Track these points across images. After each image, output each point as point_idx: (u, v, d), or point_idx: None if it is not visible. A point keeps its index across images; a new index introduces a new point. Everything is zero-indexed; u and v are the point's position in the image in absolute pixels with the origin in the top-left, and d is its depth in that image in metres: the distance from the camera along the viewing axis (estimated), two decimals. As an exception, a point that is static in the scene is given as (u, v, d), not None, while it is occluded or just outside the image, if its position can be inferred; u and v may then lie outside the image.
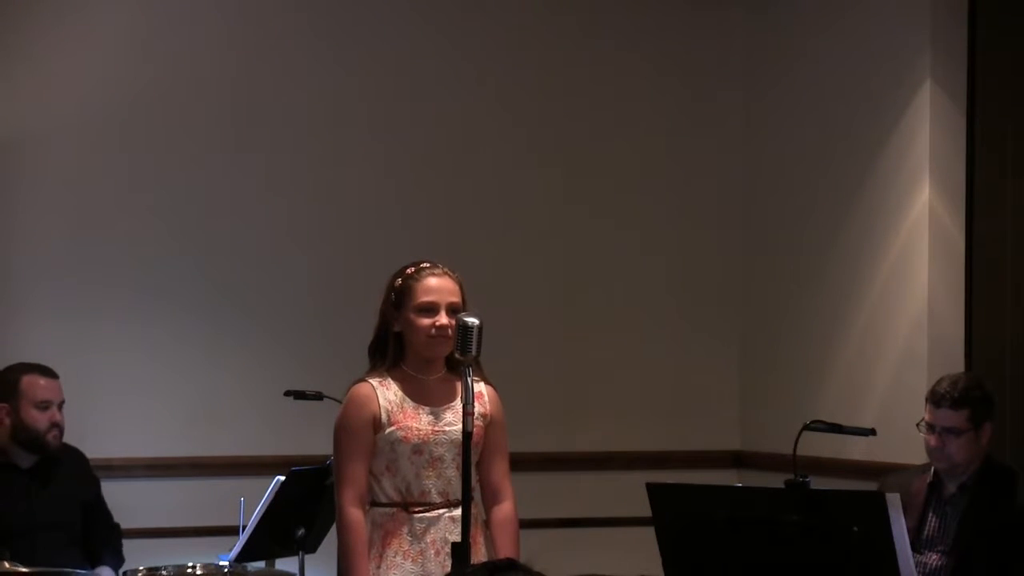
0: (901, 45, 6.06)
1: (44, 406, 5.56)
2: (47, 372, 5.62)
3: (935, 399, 4.96)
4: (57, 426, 5.58)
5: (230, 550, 5.30)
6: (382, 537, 4.31)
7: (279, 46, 6.45)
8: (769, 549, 4.11)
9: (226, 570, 5.36)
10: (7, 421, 5.57)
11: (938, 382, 5.03)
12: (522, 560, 2.69)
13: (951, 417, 4.92)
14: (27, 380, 5.58)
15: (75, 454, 5.74)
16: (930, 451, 5.01)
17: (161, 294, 6.28)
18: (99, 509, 5.75)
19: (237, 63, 6.40)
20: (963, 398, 4.93)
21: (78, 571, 5.21)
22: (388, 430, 4.30)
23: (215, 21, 6.40)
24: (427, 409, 4.33)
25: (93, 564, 5.59)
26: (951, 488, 5.02)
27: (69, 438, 5.66)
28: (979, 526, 4.91)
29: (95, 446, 5.85)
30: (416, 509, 4.30)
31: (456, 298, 4.33)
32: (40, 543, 5.49)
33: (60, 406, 5.60)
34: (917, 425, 5.04)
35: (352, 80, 6.51)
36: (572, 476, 6.70)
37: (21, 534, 5.46)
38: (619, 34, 6.84)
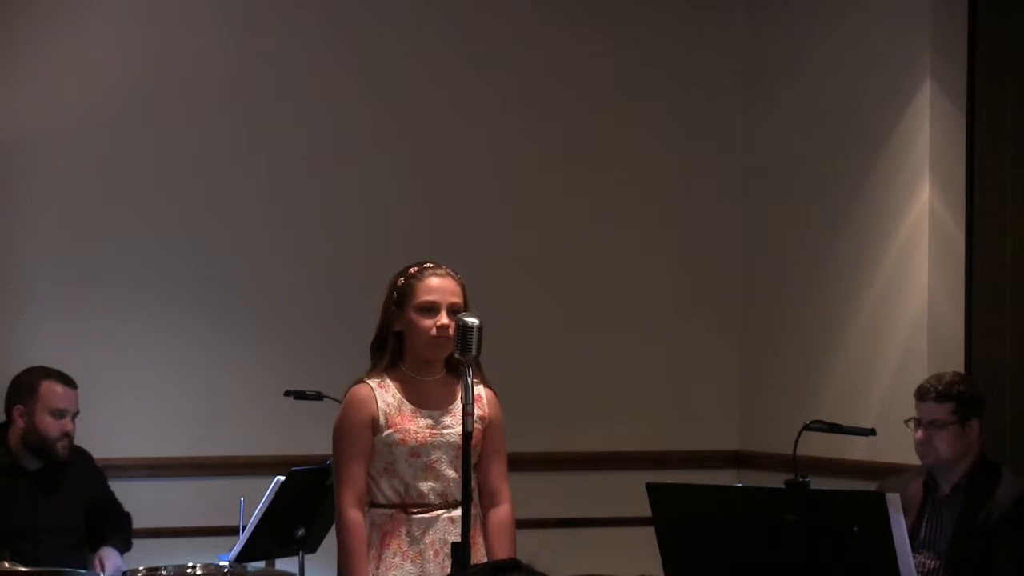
0: (901, 45, 6.06)
1: (59, 414, 5.57)
2: (67, 381, 5.63)
3: (920, 394, 5.08)
4: (68, 435, 5.59)
5: (230, 550, 5.30)
6: (380, 538, 4.31)
7: (279, 45, 6.45)
8: (769, 549, 4.12)
9: (226, 570, 5.37)
10: (20, 423, 5.58)
11: (925, 380, 5.12)
12: (522, 561, 2.69)
13: (935, 410, 5.01)
14: (46, 386, 5.58)
15: (81, 454, 5.75)
16: (917, 446, 5.07)
17: (161, 294, 6.28)
18: (107, 502, 5.76)
19: (237, 63, 6.40)
20: (947, 392, 5.02)
21: (79, 571, 5.22)
22: (386, 432, 4.29)
23: (216, 22, 6.40)
24: (425, 412, 4.33)
25: (99, 546, 5.60)
26: (945, 489, 5.05)
27: (70, 439, 5.68)
28: (972, 527, 4.93)
29: (96, 446, 5.85)
30: (414, 510, 4.30)
31: (458, 299, 4.33)
32: (43, 546, 5.50)
33: (74, 416, 5.61)
34: (906, 422, 5.08)
35: (352, 80, 6.51)
36: (572, 476, 6.70)
37: (24, 536, 5.47)
38: (620, 34, 6.84)
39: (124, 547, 5.67)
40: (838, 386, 6.34)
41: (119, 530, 5.74)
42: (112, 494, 5.81)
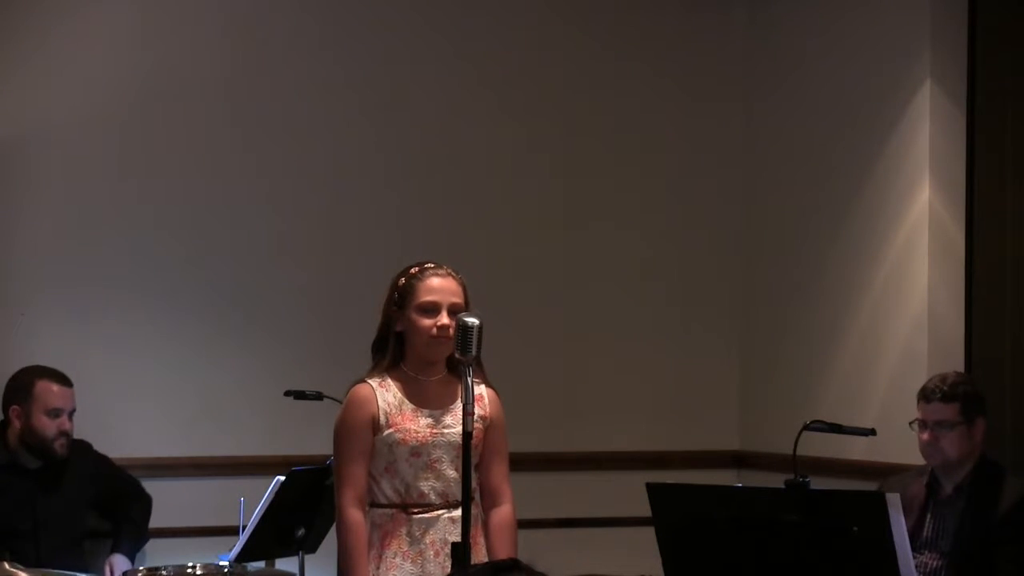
0: (901, 45, 6.06)
1: (55, 413, 5.57)
2: (62, 380, 5.63)
3: (926, 395, 5.05)
4: (65, 434, 5.60)
5: (230, 550, 5.30)
6: (381, 538, 4.31)
7: (279, 46, 6.45)
8: (769, 549, 4.11)
9: (226, 570, 5.37)
10: (17, 424, 5.59)
11: (928, 380, 5.12)
12: (522, 561, 2.69)
13: (942, 411, 4.99)
14: (41, 385, 5.59)
15: (81, 449, 5.75)
16: (923, 448, 5.04)
17: (161, 294, 6.28)
18: (118, 488, 5.76)
19: (236, 63, 6.40)
20: (952, 392, 5.00)
21: (79, 574, 5.22)
22: (386, 432, 4.30)
23: (216, 22, 6.40)
24: (426, 412, 4.33)
25: (113, 547, 5.61)
26: (947, 489, 5.04)
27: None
28: (975, 528, 4.92)
29: (96, 446, 5.86)
30: (415, 510, 4.30)
31: (458, 299, 4.34)
32: (44, 544, 5.50)
33: (70, 415, 5.62)
34: (910, 424, 5.07)
35: (352, 81, 6.51)
36: (572, 476, 6.70)
37: (24, 535, 5.48)
38: (619, 35, 6.84)
39: (136, 544, 5.67)
40: (838, 386, 6.34)
41: (131, 524, 5.73)
42: (125, 478, 5.80)
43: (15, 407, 5.60)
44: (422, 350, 4.34)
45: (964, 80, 5.94)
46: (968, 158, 5.94)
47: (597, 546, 6.55)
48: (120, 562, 5.59)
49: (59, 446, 5.58)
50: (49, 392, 5.58)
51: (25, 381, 5.62)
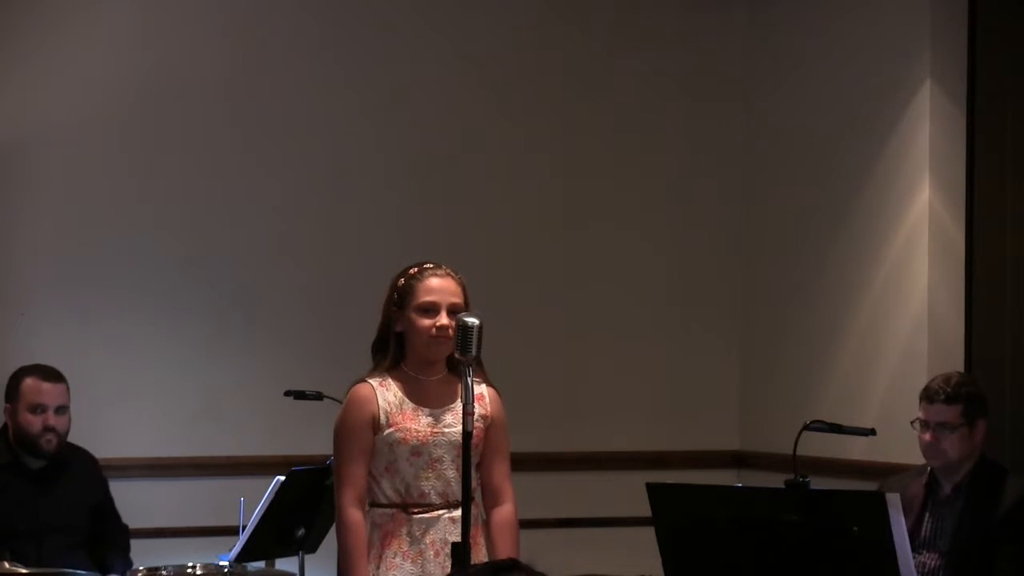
0: (901, 45, 6.06)
1: (39, 409, 5.56)
2: (49, 376, 5.61)
3: (929, 395, 5.04)
4: (51, 430, 5.56)
5: (230, 550, 5.30)
6: (381, 538, 4.31)
7: (279, 46, 6.45)
8: (769, 549, 4.12)
9: (226, 570, 5.37)
10: (10, 423, 5.60)
11: (931, 380, 5.12)
12: (522, 561, 2.69)
13: (945, 412, 4.98)
14: (27, 383, 5.59)
15: (85, 456, 5.75)
16: (924, 448, 5.04)
17: (161, 294, 6.28)
18: (108, 511, 5.75)
19: (236, 64, 6.40)
20: (956, 394, 5.00)
21: (79, 572, 5.21)
22: (387, 431, 4.30)
23: (216, 22, 6.40)
24: (427, 411, 4.33)
25: (102, 570, 5.58)
26: (946, 489, 5.04)
27: (71, 438, 5.66)
28: (974, 527, 4.93)
29: (96, 446, 5.85)
30: (415, 510, 4.30)
31: (458, 299, 4.33)
32: (45, 545, 5.49)
33: (58, 410, 5.58)
34: (912, 423, 5.07)
35: (352, 81, 6.51)
36: (572, 476, 6.70)
37: (26, 535, 5.47)
38: (619, 35, 6.84)
39: (127, 567, 5.66)
40: (838, 386, 6.34)
41: (120, 551, 5.72)
42: (112, 504, 5.79)
43: (7, 406, 5.61)
44: (422, 350, 4.34)
45: (964, 80, 5.94)
46: (968, 158, 5.95)
47: (597, 546, 6.56)
48: None
49: (45, 442, 5.55)
50: (31, 388, 5.58)
51: (15, 379, 5.63)
